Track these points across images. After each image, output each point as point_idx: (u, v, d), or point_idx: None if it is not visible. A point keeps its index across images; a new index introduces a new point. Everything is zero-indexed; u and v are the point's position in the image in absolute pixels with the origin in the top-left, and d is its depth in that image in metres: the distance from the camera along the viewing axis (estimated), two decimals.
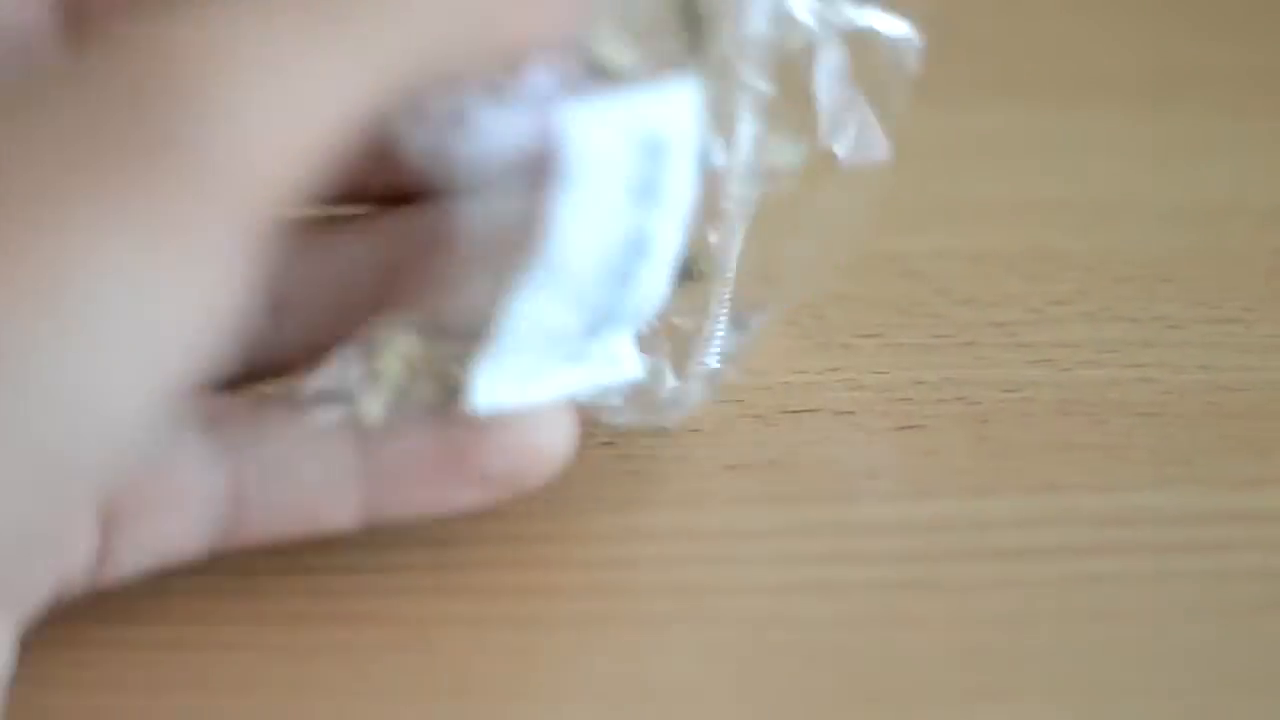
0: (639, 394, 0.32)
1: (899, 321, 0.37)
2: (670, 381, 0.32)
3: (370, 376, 0.29)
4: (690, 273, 0.32)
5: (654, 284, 0.30)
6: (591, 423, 0.32)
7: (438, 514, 0.31)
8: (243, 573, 0.31)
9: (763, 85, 0.31)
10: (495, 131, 0.28)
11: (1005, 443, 0.35)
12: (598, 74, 0.29)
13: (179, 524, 0.30)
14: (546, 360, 0.30)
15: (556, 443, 0.31)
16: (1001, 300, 0.38)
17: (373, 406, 0.30)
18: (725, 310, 0.33)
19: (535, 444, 0.31)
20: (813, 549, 0.33)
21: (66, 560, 0.29)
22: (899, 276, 0.39)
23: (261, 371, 0.31)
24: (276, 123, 0.24)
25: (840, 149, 0.32)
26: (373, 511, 0.31)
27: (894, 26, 0.32)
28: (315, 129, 0.24)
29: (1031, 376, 0.36)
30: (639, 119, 0.29)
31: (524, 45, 0.26)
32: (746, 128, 0.31)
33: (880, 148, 0.32)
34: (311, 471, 0.30)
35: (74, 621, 0.29)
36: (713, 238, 0.32)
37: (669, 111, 0.29)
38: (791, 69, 0.31)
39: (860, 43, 0.32)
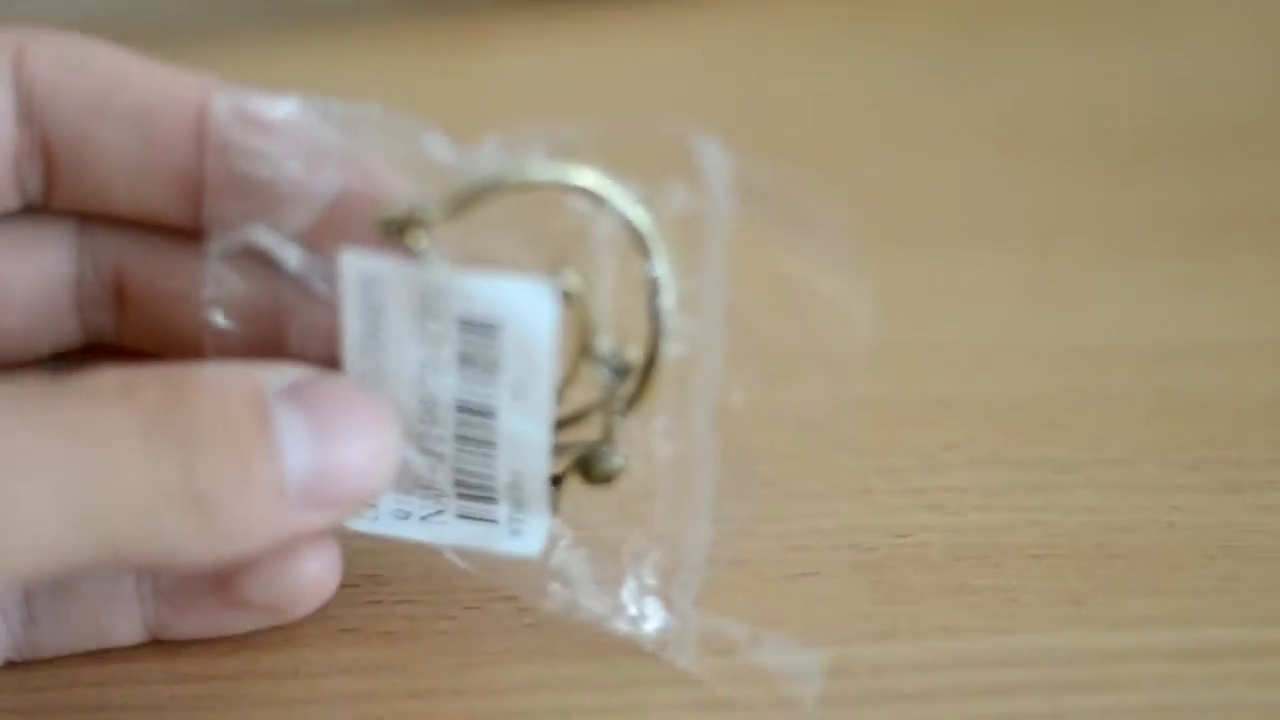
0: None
1: (792, 470, 0.38)
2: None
3: None
4: (591, 470, 0.33)
5: (523, 462, 0.31)
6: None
7: (214, 635, 0.32)
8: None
9: None
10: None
11: (900, 588, 0.35)
12: None
13: None
14: (427, 501, 0.32)
15: (321, 577, 0.32)
16: (892, 447, 0.39)
17: None
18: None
19: (300, 576, 0.32)
20: (714, 696, 0.33)
21: None
22: (791, 425, 0.39)
23: None
24: None
25: None
26: (158, 630, 0.32)
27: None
28: None
29: (924, 522, 0.37)
30: (463, 294, 0.30)
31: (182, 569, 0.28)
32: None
33: None
34: (95, 592, 0.32)
35: None
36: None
37: (510, 298, 0.30)
38: None
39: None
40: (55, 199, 0.32)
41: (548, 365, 0.30)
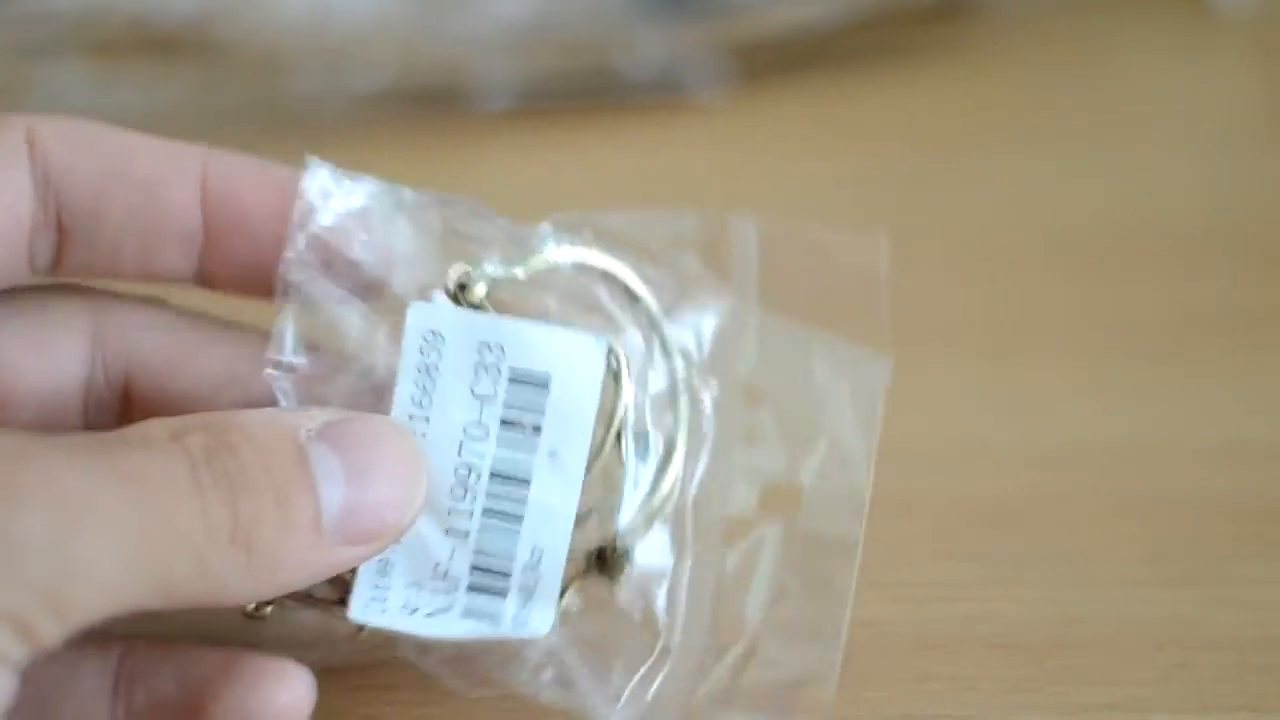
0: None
1: None
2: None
3: None
4: (604, 562, 0.34)
5: (546, 537, 0.32)
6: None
7: None
8: None
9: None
10: None
11: (865, 676, 0.36)
12: None
13: None
14: (437, 596, 0.33)
15: (290, 708, 0.32)
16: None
17: None
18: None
19: (269, 706, 0.32)
20: None
21: None
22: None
23: None
24: None
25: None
26: None
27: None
28: None
29: (888, 613, 0.38)
30: (518, 343, 0.32)
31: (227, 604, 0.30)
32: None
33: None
34: (68, 710, 0.32)
35: None
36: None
37: (562, 351, 0.32)
38: None
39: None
40: (63, 268, 0.34)
41: (589, 424, 0.32)
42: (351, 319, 0.33)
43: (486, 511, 0.32)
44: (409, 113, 0.58)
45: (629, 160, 0.57)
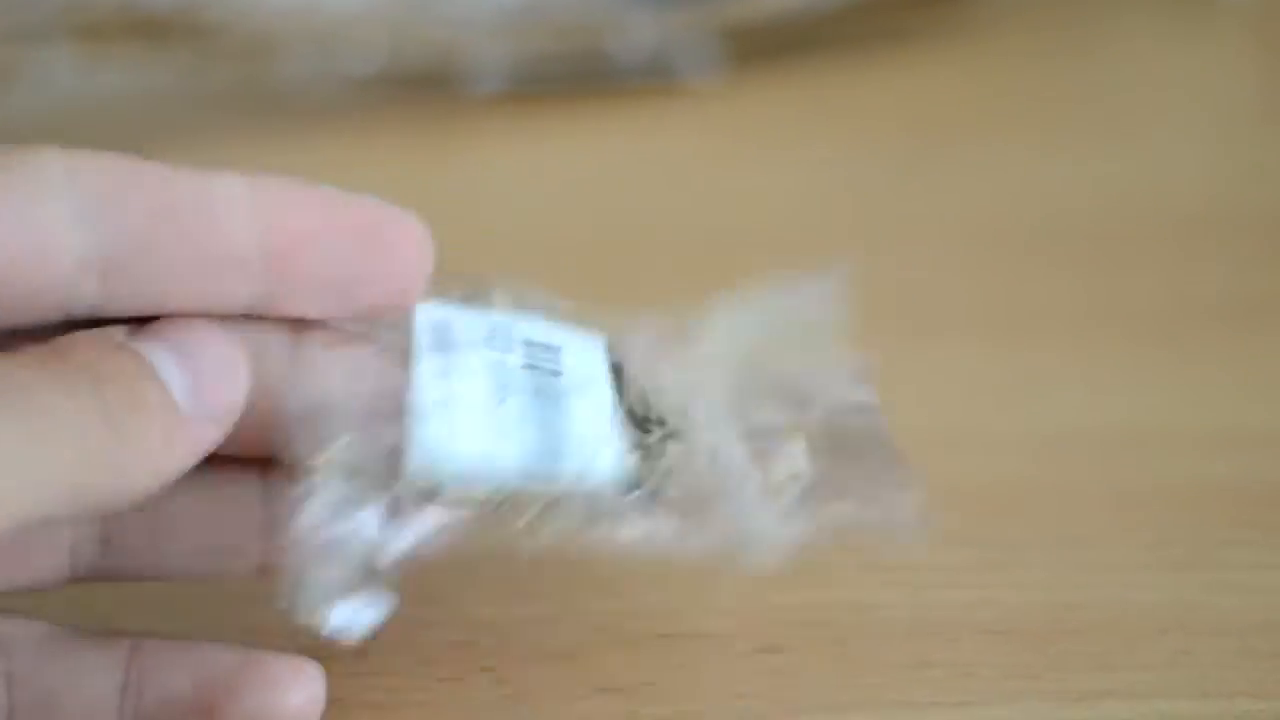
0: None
1: None
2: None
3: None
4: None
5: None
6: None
7: None
8: None
9: None
10: None
11: (862, 661, 0.36)
12: None
13: None
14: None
15: (305, 709, 0.32)
16: None
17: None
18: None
19: (283, 708, 0.32)
20: None
21: None
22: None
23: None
24: None
25: None
26: None
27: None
28: None
29: (886, 598, 0.38)
30: (526, 327, 0.33)
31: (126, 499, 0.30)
32: None
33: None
34: (74, 707, 0.32)
35: None
36: None
37: (569, 337, 0.34)
38: None
39: None
40: (111, 308, 0.32)
41: (604, 386, 0.33)
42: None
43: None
44: (400, 96, 0.57)
45: (621, 144, 0.56)
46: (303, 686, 0.32)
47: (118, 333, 0.30)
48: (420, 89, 0.57)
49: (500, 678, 0.36)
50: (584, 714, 0.35)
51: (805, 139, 0.58)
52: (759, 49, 0.59)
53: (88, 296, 0.31)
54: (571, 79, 0.57)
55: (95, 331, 0.30)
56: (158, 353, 0.30)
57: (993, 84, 0.60)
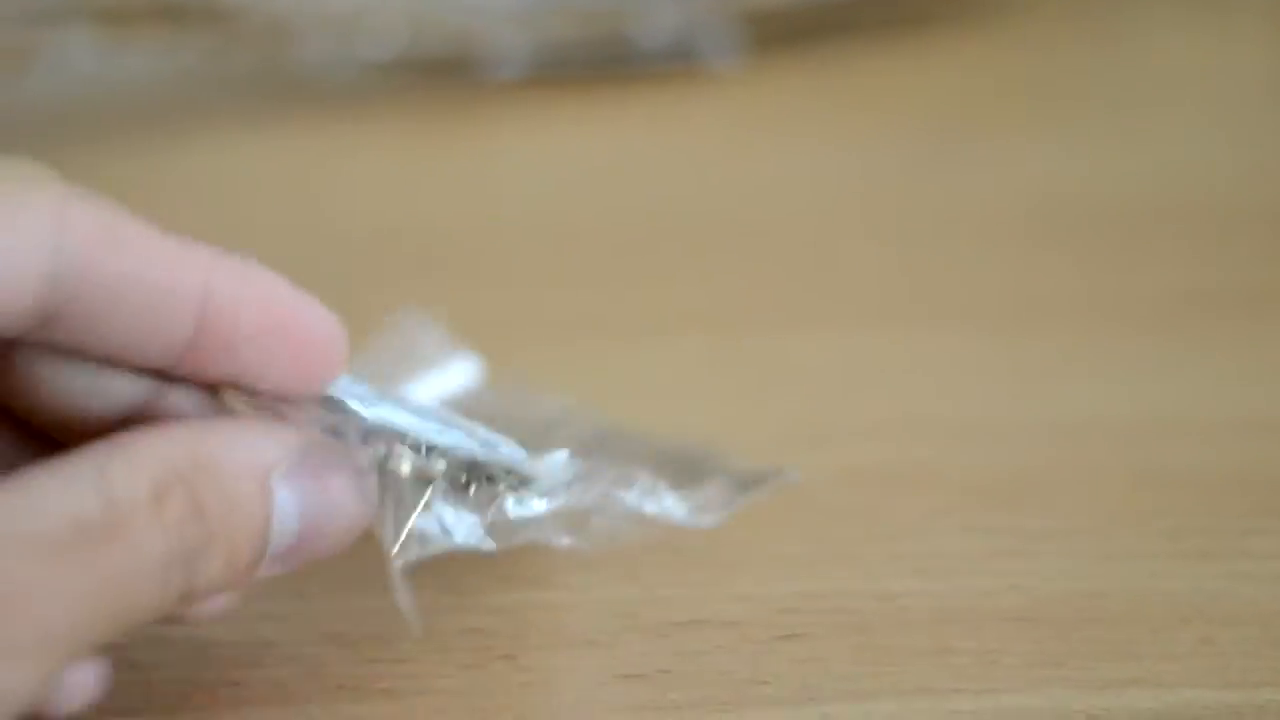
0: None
1: (781, 534, 0.39)
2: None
3: None
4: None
5: None
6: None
7: None
8: None
9: None
10: None
11: (884, 649, 0.36)
12: None
13: None
14: None
15: (87, 686, 0.32)
16: (879, 514, 0.40)
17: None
18: None
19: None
20: None
21: None
22: (780, 493, 0.40)
23: None
24: None
25: None
26: None
27: None
28: None
29: (909, 586, 0.38)
30: None
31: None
32: None
33: None
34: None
35: None
36: None
37: None
38: None
39: None
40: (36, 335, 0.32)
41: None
42: None
43: None
44: (419, 81, 0.57)
45: (640, 129, 0.56)
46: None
47: (274, 465, 0.31)
48: (439, 75, 0.57)
49: (520, 665, 0.35)
50: (603, 701, 0.35)
51: (825, 125, 0.58)
52: (780, 35, 0.59)
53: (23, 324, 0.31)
54: (592, 65, 0.57)
55: (257, 448, 0.31)
56: (287, 509, 0.31)
57: (1010, 73, 0.60)
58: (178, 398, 0.33)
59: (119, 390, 0.32)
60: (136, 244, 0.31)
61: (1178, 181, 0.55)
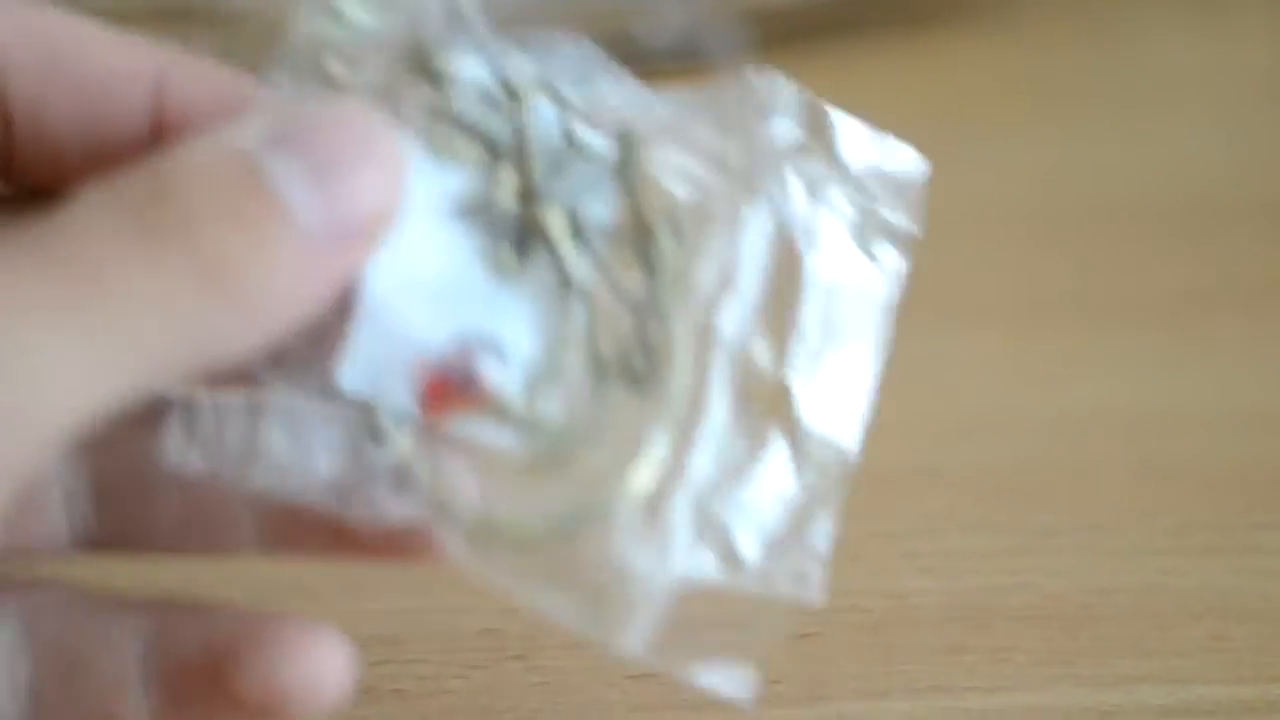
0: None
1: None
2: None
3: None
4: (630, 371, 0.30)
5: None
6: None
7: None
8: None
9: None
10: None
11: (895, 648, 0.36)
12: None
13: None
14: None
15: (318, 677, 0.29)
16: (887, 513, 0.40)
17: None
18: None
19: (299, 671, 0.29)
20: None
21: None
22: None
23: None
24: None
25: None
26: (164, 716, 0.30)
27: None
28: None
29: (919, 585, 0.38)
30: None
31: (240, 357, 0.27)
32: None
33: None
34: (102, 678, 0.30)
35: None
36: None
37: None
38: None
39: None
40: (13, 170, 0.31)
41: None
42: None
43: None
44: None
45: None
46: (319, 653, 0.29)
47: (241, 138, 0.27)
48: None
49: (531, 665, 0.36)
50: (615, 702, 0.35)
51: None
52: (784, 33, 0.59)
53: None
54: None
55: (222, 136, 0.27)
56: (287, 166, 0.26)
57: (1012, 72, 0.60)
58: None
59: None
60: (66, 31, 0.30)
61: (1179, 179, 0.55)
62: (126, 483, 0.32)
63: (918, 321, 0.48)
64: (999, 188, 0.55)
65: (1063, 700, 0.35)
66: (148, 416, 0.29)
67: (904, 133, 0.57)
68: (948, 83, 0.59)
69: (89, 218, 0.26)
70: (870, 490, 0.41)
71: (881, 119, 0.58)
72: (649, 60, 0.57)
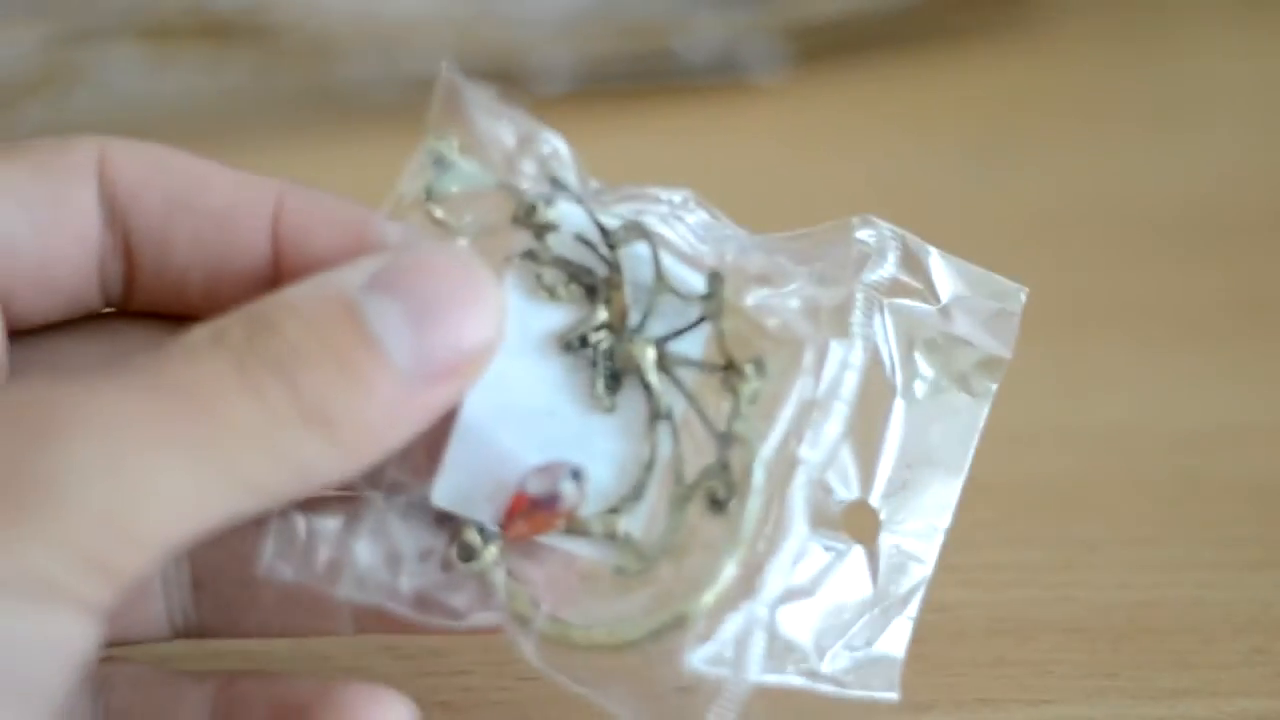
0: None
1: None
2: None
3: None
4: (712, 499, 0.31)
5: None
6: None
7: None
8: None
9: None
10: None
11: (939, 660, 0.36)
12: None
13: None
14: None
15: None
16: None
17: None
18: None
19: None
20: None
21: None
22: None
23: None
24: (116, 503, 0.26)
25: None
26: None
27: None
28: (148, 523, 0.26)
29: (962, 597, 0.38)
30: None
31: (330, 483, 0.29)
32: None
33: None
34: None
35: None
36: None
37: None
38: None
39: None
40: (135, 299, 0.33)
41: None
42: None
43: None
44: None
45: (686, 143, 0.57)
46: (384, 715, 0.30)
47: (348, 284, 0.28)
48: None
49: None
50: (663, 712, 0.35)
51: (870, 136, 0.58)
52: (824, 47, 0.59)
53: (112, 291, 0.32)
54: (636, 78, 0.58)
55: (326, 280, 0.28)
56: (385, 310, 0.28)
57: (1055, 81, 0.60)
58: None
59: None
60: (188, 170, 0.32)
61: (1225, 190, 0.55)
62: (227, 573, 0.33)
63: None
64: (1042, 198, 0.55)
65: (1106, 713, 0.35)
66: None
67: (946, 144, 0.57)
68: (990, 94, 0.59)
69: (197, 350, 0.28)
70: None
71: (922, 132, 0.58)
72: (689, 75, 0.58)
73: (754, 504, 0.31)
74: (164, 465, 0.26)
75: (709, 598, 0.30)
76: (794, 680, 0.31)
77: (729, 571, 0.31)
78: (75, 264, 0.32)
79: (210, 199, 0.32)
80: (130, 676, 0.32)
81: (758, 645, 0.30)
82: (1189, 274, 0.51)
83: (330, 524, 0.31)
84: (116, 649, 0.32)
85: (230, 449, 0.27)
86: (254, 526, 0.30)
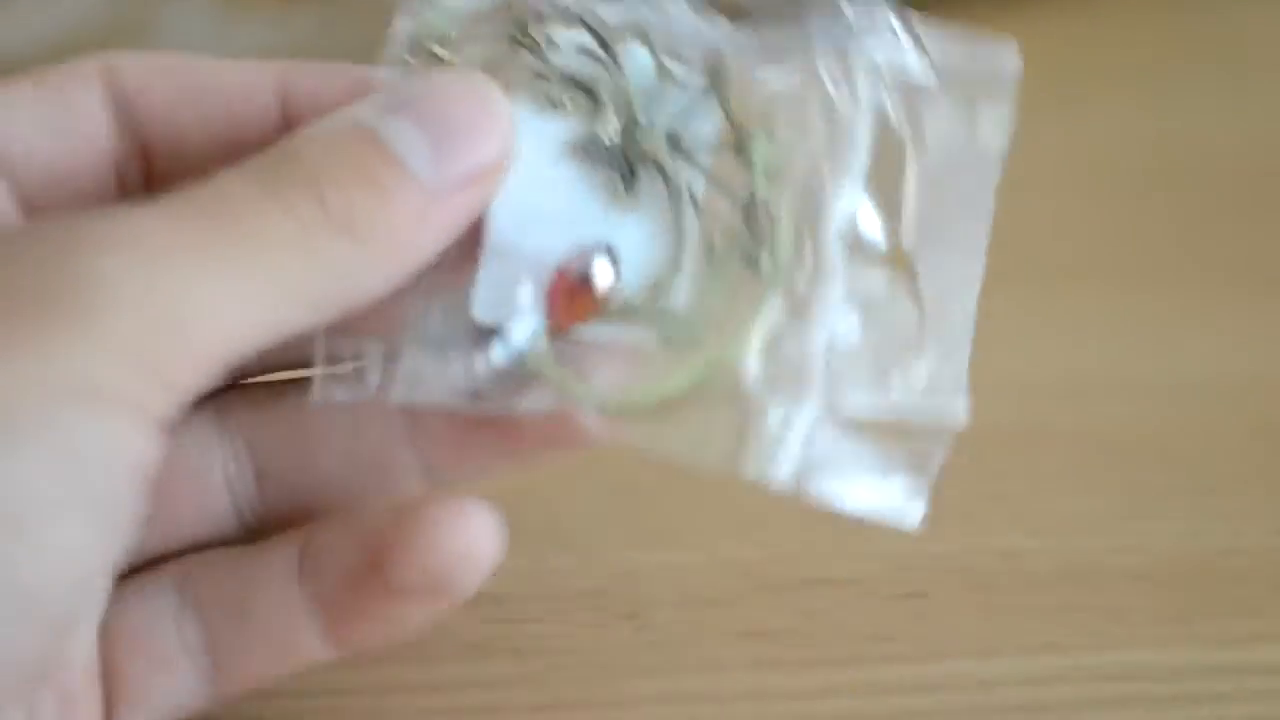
0: None
1: None
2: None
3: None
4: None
5: None
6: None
7: (387, 636, 0.31)
8: None
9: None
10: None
11: (1006, 607, 0.36)
12: None
13: (170, 681, 0.31)
14: None
15: (474, 548, 0.30)
16: (998, 474, 0.40)
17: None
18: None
19: (448, 548, 0.30)
20: (828, 709, 0.34)
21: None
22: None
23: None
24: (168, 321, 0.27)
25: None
26: (336, 640, 0.31)
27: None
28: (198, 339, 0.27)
29: (1029, 545, 0.38)
30: None
31: (372, 296, 0.29)
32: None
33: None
34: (269, 613, 0.31)
35: None
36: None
37: None
38: None
39: None
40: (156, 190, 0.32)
41: None
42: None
43: None
44: None
45: None
46: (466, 525, 0.30)
47: (355, 112, 0.29)
48: None
49: (643, 623, 0.36)
50: (727, 660, 0.35)
51: None
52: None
53: (131, 187, 0.32)
54: None
55: (340, 113, 0.30)
56: (402, 128, 0.29)
57: (1110, 36, 0.60)
58: None
59: None
60: (191, 67, 0.32)
61: None
62: (287, 455, 0.33)
63: (1030, 281, 0.48)
64: (1111, 151, 0.55)
65: (1178, 659, 0.35)
66: (297, 388, 0.32)
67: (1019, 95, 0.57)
68: (1045, 52, 0.58)
69: (223, 180, 0.28)
70: (980, 450, 0.41)
71: None
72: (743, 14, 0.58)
73: (785, 235, 0.31)
74: (200, 274, 0.27)
75: (760, 334, 0.31)
76: (857, 409, 0.31)
77: (775, 307, 0.31)
78: (88, 164, 0.32)
79: (216, 87, 0.32)
80: (211, 562, 0.32)
81: (818, 373, 0.31)
82: (1259, 226, 0.50)
83: (375, 344, 0.32)
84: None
85: (265, 257, 0.28)
86: (308, 405, 0.31)
